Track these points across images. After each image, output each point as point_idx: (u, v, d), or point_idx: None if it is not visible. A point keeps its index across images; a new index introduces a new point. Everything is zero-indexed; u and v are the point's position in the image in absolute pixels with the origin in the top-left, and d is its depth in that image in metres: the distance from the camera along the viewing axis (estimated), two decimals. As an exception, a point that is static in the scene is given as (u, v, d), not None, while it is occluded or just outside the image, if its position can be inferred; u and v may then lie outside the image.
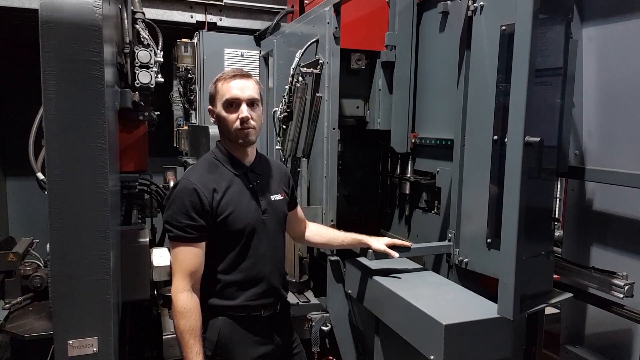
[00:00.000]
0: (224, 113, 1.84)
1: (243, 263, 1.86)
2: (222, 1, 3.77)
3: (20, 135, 2.26)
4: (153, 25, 2.66)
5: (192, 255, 1.76)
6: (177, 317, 1.73)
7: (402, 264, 2.26)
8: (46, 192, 1.54)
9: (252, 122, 1.83)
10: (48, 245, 1.59)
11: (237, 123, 1.82)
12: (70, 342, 1.61)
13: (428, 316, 1.76)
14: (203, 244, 1.79)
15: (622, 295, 1.98)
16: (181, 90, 4.36)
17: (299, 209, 2.23)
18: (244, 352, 1.86)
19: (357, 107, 2.71)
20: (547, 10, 1.81)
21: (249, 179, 1.91)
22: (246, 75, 1.87)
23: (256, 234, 1.88)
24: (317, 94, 2.54)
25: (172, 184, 3.97)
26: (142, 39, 2.44)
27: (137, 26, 2.44)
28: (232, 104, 1.82)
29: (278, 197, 1.99)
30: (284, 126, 2.90)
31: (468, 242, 2.11)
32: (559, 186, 2.59)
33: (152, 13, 3.57)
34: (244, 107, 1.82)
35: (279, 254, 2.01)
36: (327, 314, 2.49)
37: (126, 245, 2.14)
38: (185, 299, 1.73)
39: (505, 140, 1.81)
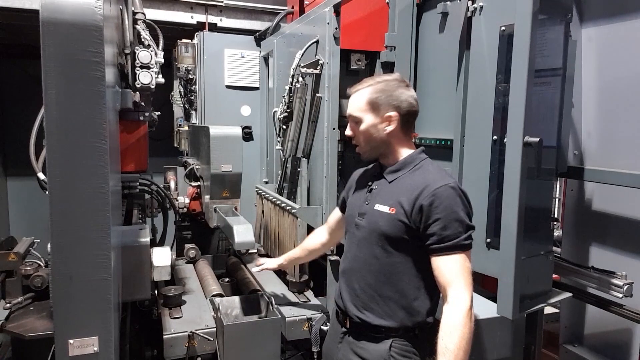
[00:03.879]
0: None
1: None
2: (222, 2, 3.77)
3: (21, 135, 2.26)
4: (154, 26, 2.66)
5: None
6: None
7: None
8: (47, 192, 1.55)
9: (354, 141, 1.77)
10: (49, 245, 1.59)
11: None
12: (71, 341, 1.60)
13: (428, 316, 1.76)
14: None
15: (621, 295, 1.99)
16: (182, 90, 4.36)
17: None
18: None
19: (357, 108, 2.71)
20: (546, 10, 1.82)
21: None
22: (358, 89, 1.72)
23: None
24: (317, 94, 2.55)
25: (172, 184, 3.97)
26: (142, 40, 2.43)
27: (138, 27, 2.44)
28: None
29: None
30: (284, 126, 2.91)
31: (467, 242, 2.12)
32: (558, 186, 2.59)
33: (153, 14, 3.56)
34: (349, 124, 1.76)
35: None
36: (327, 314, 2.49)
37: (127, 245, 2.14)
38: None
39: (505, 140, 1.82)
